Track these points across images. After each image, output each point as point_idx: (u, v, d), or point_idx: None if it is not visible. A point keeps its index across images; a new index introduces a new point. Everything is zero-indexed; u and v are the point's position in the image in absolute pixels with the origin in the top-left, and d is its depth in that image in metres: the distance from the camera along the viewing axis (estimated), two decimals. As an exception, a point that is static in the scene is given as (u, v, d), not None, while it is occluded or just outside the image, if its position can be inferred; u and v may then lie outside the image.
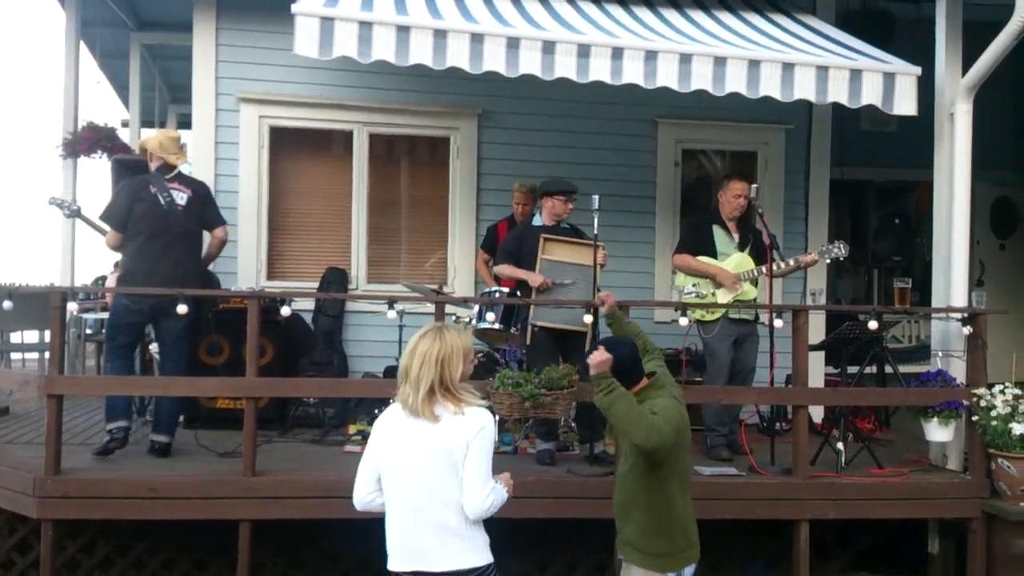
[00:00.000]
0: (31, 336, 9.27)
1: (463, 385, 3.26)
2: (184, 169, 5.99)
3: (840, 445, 5.70)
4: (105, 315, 9.47)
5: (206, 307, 6.13)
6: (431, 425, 3.19)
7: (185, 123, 11.95)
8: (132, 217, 5.66)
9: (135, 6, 9.62)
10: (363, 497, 3.32)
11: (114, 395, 5.59)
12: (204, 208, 5.85)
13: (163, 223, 5.64)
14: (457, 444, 3.15)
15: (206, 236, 5.99)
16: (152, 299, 5.48)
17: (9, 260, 9.81)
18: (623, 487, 3.60)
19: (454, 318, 6.48)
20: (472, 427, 3.17)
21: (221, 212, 6.05)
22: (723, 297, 6.01)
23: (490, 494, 3.18)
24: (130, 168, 7.00)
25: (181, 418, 6.51)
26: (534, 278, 5.81)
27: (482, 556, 3.22)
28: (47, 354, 7.49)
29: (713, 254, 6.10)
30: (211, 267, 6.92)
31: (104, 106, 12.40)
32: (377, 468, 3.28)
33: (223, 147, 7.31)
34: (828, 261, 6.14)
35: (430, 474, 3.18)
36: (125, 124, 10.96)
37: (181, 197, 5.69)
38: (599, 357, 3.44)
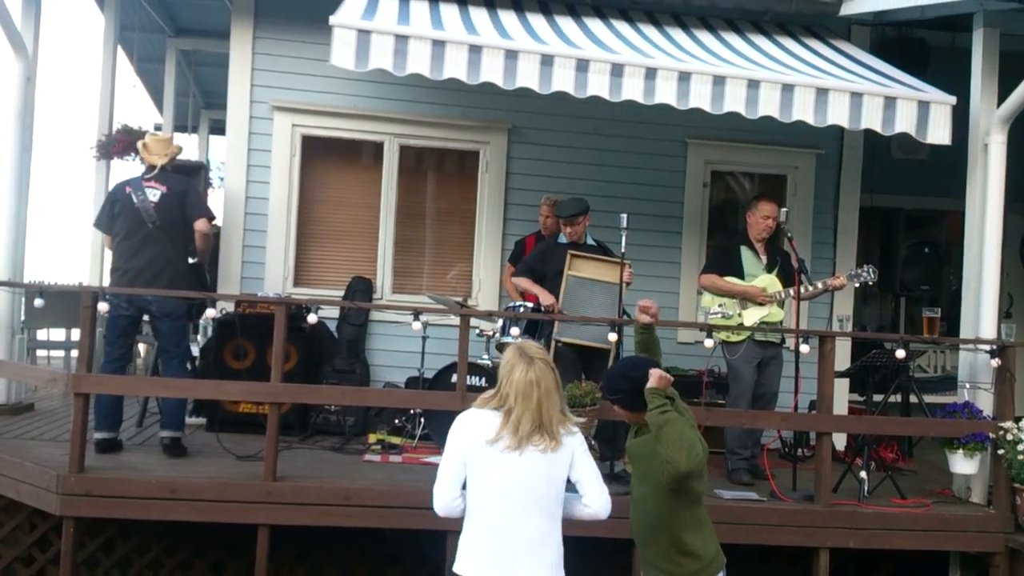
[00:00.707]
0: (57, 334, 9.37)
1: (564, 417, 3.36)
2: (218, 176, 6.06)
3: (863, 474, 5.65)
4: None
5: (198, 306, 6.14)
6: (543, 442, 3.23)
7: (218, 129, 12.12)
8: (113, 219, 5.84)
9: (173, 12, 9.76)
10: (449, 503, 3.31)
11: (103, 402, 5.63)
12: (180, 203, 5.81)
13: (136, 221, 5.75)
14: (570, 452, 3.28)
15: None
16: (145, 299, 5.61)
17: (40, 259, 9.92)
18: (644, 511, 3.53)
19: (478, 331, 6.49)
20: (576, 437, 3.31)
21: (206, 206, 6.02)
22: (750, 318, 5.98)
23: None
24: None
25: (203, 420, 6.59)
26: (546, 298, 5.83)
27: (560, 572, 3.30)
28: (73, 352, 7.59)
29: (740, 275, 6.08)
30: (240, 271, 6.98)
31: (138, 109, 12.58)
32: (464, 473, 3.27)
33: (255, 154, 7.38)
34: (857, 285, 6.09)
35: (539, 482, 3.23)
36: (158, 128, 11.08)
37: (154, 194, 5.76)
38: (660, 373, 3.45)
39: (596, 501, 3.31)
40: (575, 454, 3.29)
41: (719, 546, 3.58)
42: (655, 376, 3.44)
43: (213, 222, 6.03)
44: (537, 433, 3.22)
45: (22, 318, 7.63)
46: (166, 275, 5.71)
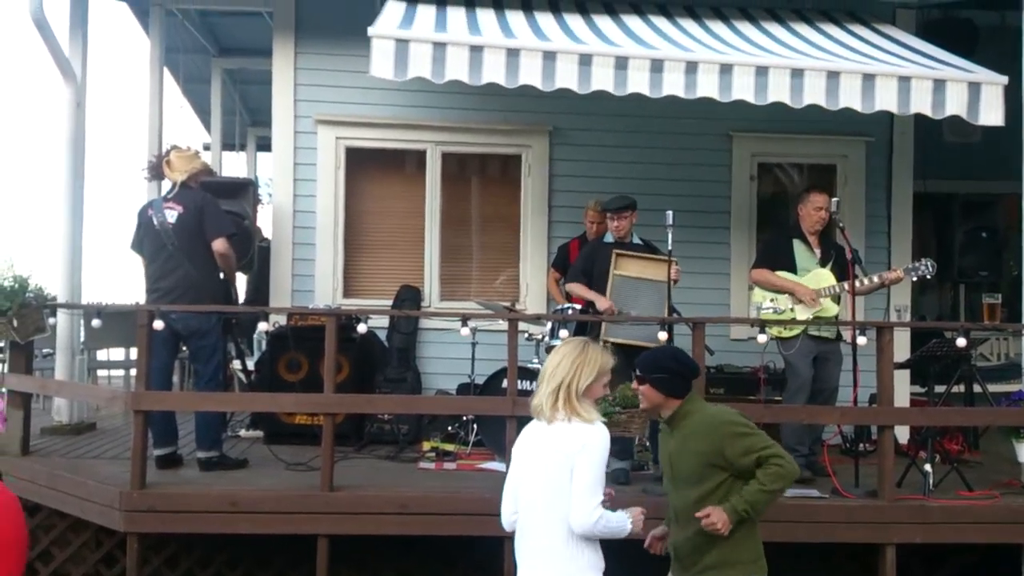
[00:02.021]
0: (116, 354, 9.57)
1: (588, 401, 3.30)
2: (267, 192, 6.09)
3: (927, 467, 5.50)
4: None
5: (232, 323, 6.16)
6: (548, 430, 3.25)
7: (264, 146, 12.28)
8: (140, 241, 5.88)
9: (216, 32, 9.93)
10: (508, 517, 3.38)
11: (156, 419, 5.59)
12: (198, 222, 5.73)
13: (158, 242, 5.75)
14: (565, 455, 3.20)
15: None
16: (170, 317, 5.46)
17: (98, 281, 10.14)
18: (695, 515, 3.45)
19: (527, 335, 6.47)
20: (576, 441, 3.20)
21: (224, 223, 5.87)
22: (802, 314, 5.86)
23: (599, 512, 3.17)
24: (212, 190, 7.18)
25: (261, 433, 6.66)
26: (602, 302, 5.77)
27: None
28: (132, 371, 7.73)
29: (793, 269, 5.94)
30: (290, 285, 7.03)
31: (187, 130, 12.82)
32: (515, 485, 3.34)
33: (301, 168, 7.47)
34: (914, 279, 5.91)
35: (543, 482, 3.24)
36: (207, 147, 11.29)
37: (172, 215, 5.73)
38: (716, 524, 3.34)
39: (573, 513, 3.17)
40: (575, 456, 3.18)
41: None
42: (716, 525, 3.34)
43: (261, 237, 6.05)
44: (548, 406, 3.24)
45: (82, 339, 7.80)
46: (189, 296, 5.65)
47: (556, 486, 3.20)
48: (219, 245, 5.75)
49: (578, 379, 3.27)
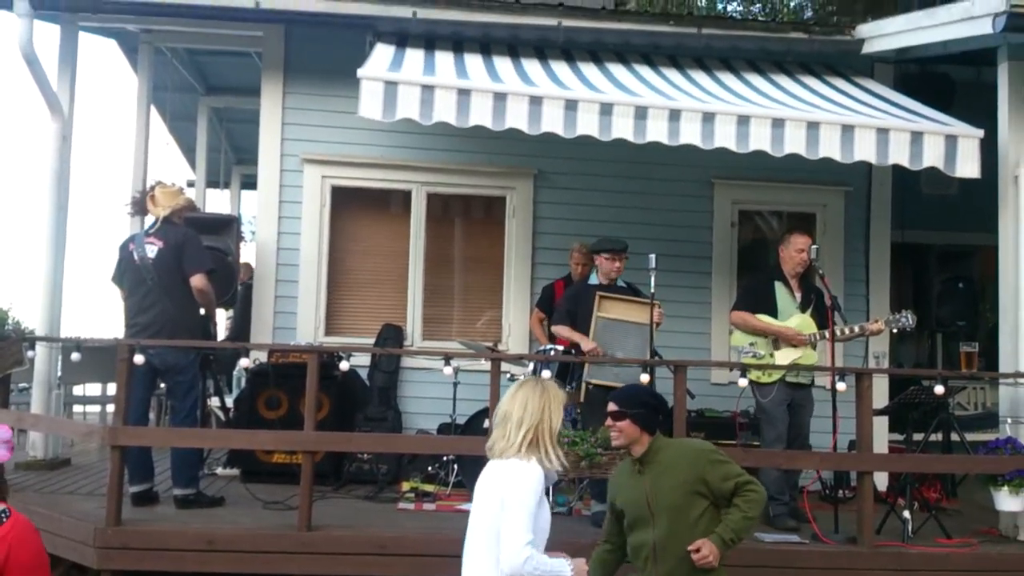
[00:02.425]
0: (93, 389, 9.47)
1: (553, 446, 3.26)
2: (250, 230, 6.11)
3: (906, 514, 5.52)
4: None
5: (211, 360, 6.14)
6: (490, 471, 3.24)
7: (249, 184, 12.31)
8: (121, 275, 5.87)
9: (204, 71, 9.99)
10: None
11: (131, 455, 5.51)
12: (177, 257, 5.71)
13: (138, 277, 5.74)
14: (498, 493, 3.16)
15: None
16: (147, 352, 5.43)
17: (78, 316, 10.07)
18: (690, 540, 3.52)
19: (508, 375, 6.47)
20: (508, 478, 3.15)
21: (202, 258, 5.82)
22: (782, 359, 5.88)
23: (527, 552, 3.05)
24: (195, 226, 7.19)
25: (238, 472, 6.59)
26: (586, 344, 5.79)
27: None
28: (109, 406, 7.66)
29: (774, 313, 5.95)
30: (272, 322, 7.00)
31: (172, 166, 12.84)
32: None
33: (286, 206, 7.49)
34: (894, 331, 5.96)
35: (476, 525, 3.23)
36: (191, 184, 11.29)
37: (152, 250, 5.72)
38: (707, 557, 3.45)
39: (502, 554, 3.08)
40: (505, 496, 3.13)
41: None
42: (705, 560, 3.43)
43: (249, 275, 6.04)
44: (512, 452, 3.22)
45: (59, 373, 7.72)
46: (166, 332, 5.62)
47: (489, 524, 3.16)
48: (197, 281, 5.71)
49: (550, 420, 3.25)
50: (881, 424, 6.94)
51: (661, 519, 3.53)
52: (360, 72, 5.54)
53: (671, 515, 3.51)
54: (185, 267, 5.72)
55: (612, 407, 3.64)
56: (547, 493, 6.05)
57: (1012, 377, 5.73)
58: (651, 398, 3.70)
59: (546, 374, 5.80)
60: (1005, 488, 5.47)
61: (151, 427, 5.74)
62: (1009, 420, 5.85)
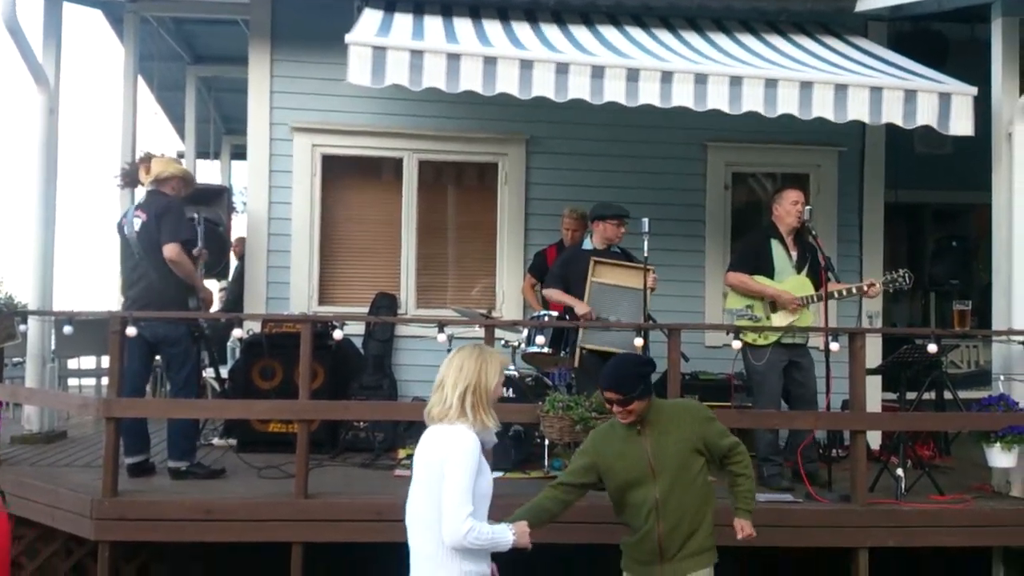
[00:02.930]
0: (88, 362, 9.47)
1: (492, 408, 3.27)
2: (241, 201, 6.08)
3: (900, 471, 5.56)
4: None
5: (203, 331, 6.17)
6: (429, 437, 3.23)
7: (239, 154, 12.24)
8: (120, 250, 5.91)
9: (191, 40, 9.89)
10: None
11: (127, 427, 5.54)
12: (157, 228, 5.66)
13: (128, 250, 5.78)
14: (435, 461, 3.14)
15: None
16: (139, 325, 5.36)
17: (69, 289, 10.03)
18: (690, 495, 3.63)
19: (503, 342, 6.48)
20: (445, 446, 3.13)
21: (178, 228, 5.70)
22: (778, 322, 5.85)
23: (468, 524, 3.06)
24: (186, 198, 7.15)
25: (234, 442, 6.61)
26: (580, 307, 5.78)
27: None
28: (104, 380, 7.66)
29: (770, 273, 5.88)
30: (265, 292, 6.98)
31: (160, 137, 12.74)
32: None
33: (277, 175, 7.44)
34: (891, 291, 5.94)
35: (416, 492, 3.22)
36: (181, 155, 11.21)
37: (137, 223, 5.71)
38: (752, 534, 3.76)
39: (443, 524, 3.09)
40: (444, 462, 3.11)
41: None
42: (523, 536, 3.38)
43: (196, 246, 5.94)
44: (444, 418, 3.22)
45: (52, 347, 7.71)
46: (153, 305, 5.60)
47: (430, 493, 3.15)
48: (168, 251, 5.61)
49: (486, 380, 3.25)
50: (875, 383, 6.98)
51: (664, 477, 3.63)
52: (348, 37, 5.47)
53: (674, 472, 3.63)
54: (160, 237, 5.64)
55: (613, 395, 3.66)
56: (544, 457, 6.11)
57: (1005, 335, 5.75)
58: (640, 368, 3.74)
59: (540, 340, 5.83)
60: (998, 444, 5.51)
61: (146, 399, 5.73)
62: (1002, 377, 5.88)
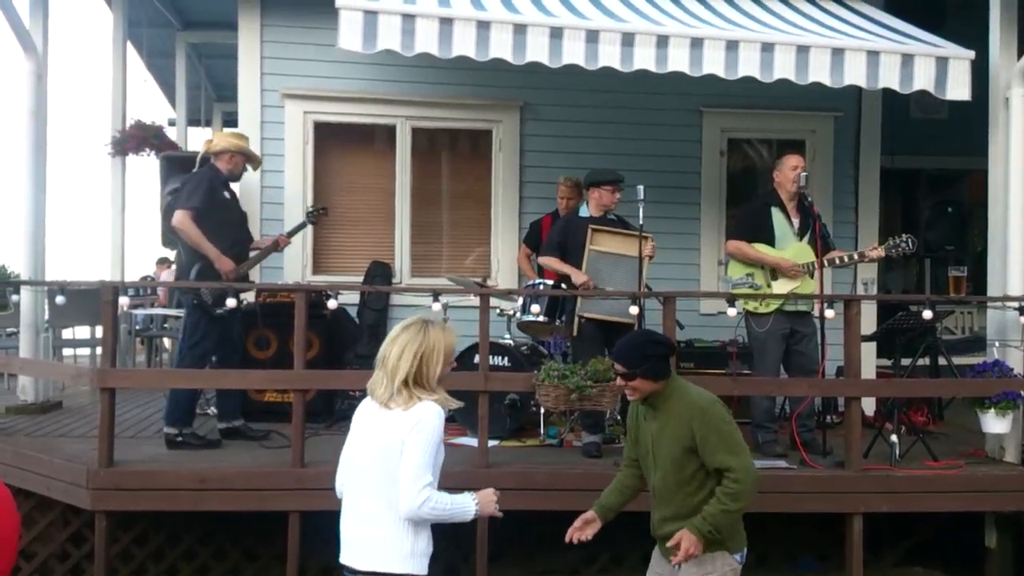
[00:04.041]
0: (82, 332, 9.44)
1: (439, 387, 3.15)
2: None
3: (894, 438, 5.59)
4: (154, 311, 9.66)
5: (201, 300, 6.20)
6: (386, 417, 3.08)
7: (230, 121, 12.14)
8: None
9: (180, 6, 9.76)
10: (337, 485, 3.25)
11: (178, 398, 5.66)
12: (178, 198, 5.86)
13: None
14: (396, 438, 3.03)
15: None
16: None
17: (62, 258, 9.98)
18: (682, 494, 3.46)
19: (498, 311, 6.47)
20: (410, 420, 3.02)
21: (189, 197, 5.73)
22: (779, 290, 5.76)
23: (425, 494, 2.97)
24: (178, 165, 7.09)
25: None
26: (578, 276, 5.75)
27: (406, 564, 3.03)
28: (99, 349, 7.63)
29: (771, 241, 5.82)
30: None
31: (151, 105, 12.63)
32: (350, 456, 3.20)
33: (268, 143, 7.36)
34: (894, 255, 5.88)
35: (370, 466, 3.07)
36: (172, 123, 11.12)
37: (174, 194, 5.83)
38: (689, 551, 3.29)
39: (400, 497, 2.98)
40: (404, 439, 3.00)
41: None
42: (688, 553, 3.27)
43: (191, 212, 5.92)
44: (390, 398, 3.07)
45: (46, 317, 7.69)
46: (181, 273, 5.79)
47: (387, 468, 3.02)
48: (175, 218, 5.68)
49: (427, 370, 3.11)
50: (869, 350, 6.99)
51: (661, 467, 3.45)
52: (338, 2, 5.37)
53: (669, 466, 3.42)
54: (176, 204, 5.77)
55: (619, 367, 3.53)
56: (540, 425, 6.09)
57: (1000, 301, 5.74)
58: (654, 346, 3.48)
59: (535, 308, 5.81)
60: (992, 410, 5.53)
61: (140, 368, 5.72)
62: (996, 343, 5.88)
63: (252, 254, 6.03)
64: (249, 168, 6.12)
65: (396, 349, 3.12)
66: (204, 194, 5.75)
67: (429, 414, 3.04)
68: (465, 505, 3.09)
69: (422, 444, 3.00)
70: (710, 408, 3.40)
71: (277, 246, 6.13)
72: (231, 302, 5.41)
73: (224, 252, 5.74)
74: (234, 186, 6.12)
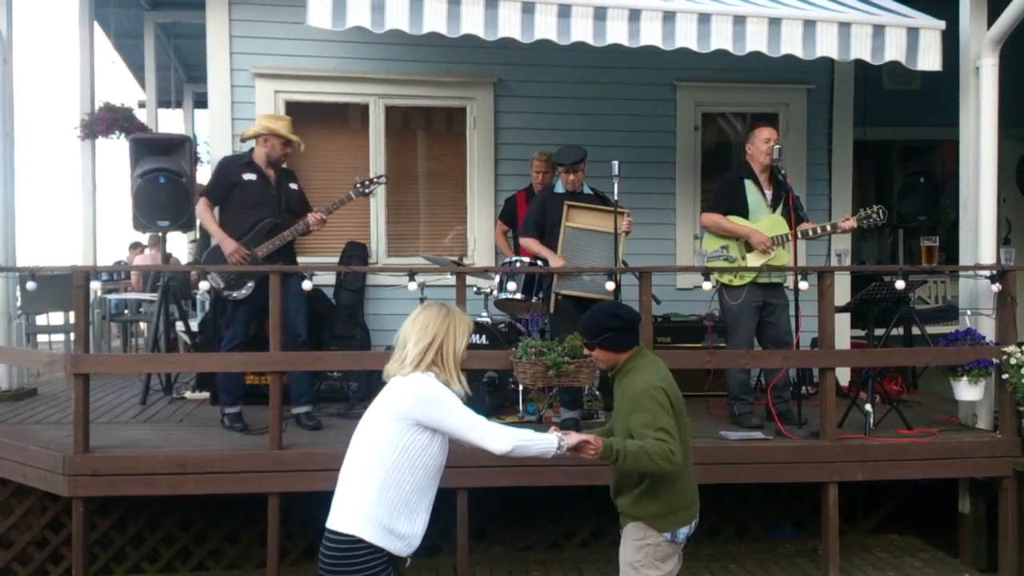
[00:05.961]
0: (57, 319, 9.34)
1: (456, 367, 3.20)
2: (205, 151, 6.07)
3: (868, 407, 5.65)
4: (128, 295, 9.58)
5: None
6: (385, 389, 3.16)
7: (201, 102, 11.98)
8: None
9: (147, -16, 9.59)
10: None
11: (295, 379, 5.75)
12: None
13: None
14: (382, 403, 3.11)
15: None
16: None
17: (32, 244, 9.84)
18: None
19: (475, 289, 6.46)
20: (405, 395, 3.08)
21: (210, 183, 6.02)
22: (753, 262, 5.83)
23: (510, 443, 3.10)
24: (148, 148, 6.98)
25: (207, 395, 6.58)
26: (555, 260, 5.75)
27: (361, 528, 3.04)
28: (72, 335, 7.56)
29: (745, 213, 5.87)
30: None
31: (120, 87, 12.43)
32: None
33: (240, 123, 7.24)
34: (866, 227, 5.94)
35: (359, 432, 3.20)
36: (142, 105, 10.97)
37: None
38: (575, 442, 3.27)
39: (487, 447, 3.15)
40: (402, 415, 3.07)
41: (696, 501, 3.59)
42: (572, 446, 3.28)
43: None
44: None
45: (18, 303, 7.59)
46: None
47: (374, 437, 3.12)
48: (196, 205, 6.01)
49: (452, 343, 3.16)
50: (843, 321, 7.05)
51: (619, 436, 3.50)
52: (307, -22, 5.31)
53: (622, 433, 3.50)
54: None
55: (583, 338, 3.65)
56: (519, 403, 6.14)
57: (972, 270, 5.80)
58: (612, 320, 3.55)
59: (511, 286, 5.81)
60: (964, 378, 5.60)
61: (114, 353, 5.67)
62: (968, 312, 5.95)
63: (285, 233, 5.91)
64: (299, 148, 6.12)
65: (418, 327, 3.19)
66: (213, 179, 5.97)
67: (424, 384, 3.10)
68: (549, 444, 3.19)
69: (450, 409, 3.08)
70: (648, 388, 3.43)
71: (308, 227, 6.02)
72: (204, 284, 5.40)
73: (242, 234, 5.73)
74: (202, 166, 6.12)
